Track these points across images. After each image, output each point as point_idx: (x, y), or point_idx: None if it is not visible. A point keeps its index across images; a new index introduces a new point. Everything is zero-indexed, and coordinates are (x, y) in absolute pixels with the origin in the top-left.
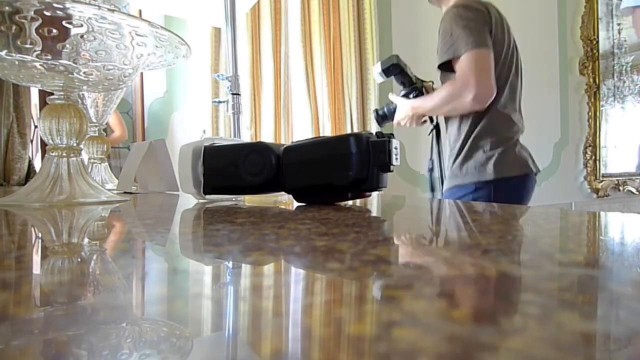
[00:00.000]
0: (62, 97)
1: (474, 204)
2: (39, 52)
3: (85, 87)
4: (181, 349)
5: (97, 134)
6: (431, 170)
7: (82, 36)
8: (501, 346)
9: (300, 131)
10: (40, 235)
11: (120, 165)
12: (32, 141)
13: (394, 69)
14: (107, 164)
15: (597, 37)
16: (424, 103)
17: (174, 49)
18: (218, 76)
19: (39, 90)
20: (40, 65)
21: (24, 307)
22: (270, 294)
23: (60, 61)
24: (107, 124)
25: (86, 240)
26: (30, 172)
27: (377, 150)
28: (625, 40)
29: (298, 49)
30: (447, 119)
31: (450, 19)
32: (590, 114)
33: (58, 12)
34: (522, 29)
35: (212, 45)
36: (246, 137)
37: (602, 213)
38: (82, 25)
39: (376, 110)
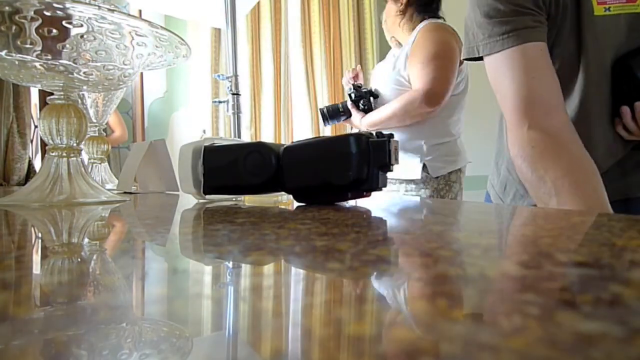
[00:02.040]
0: (62, 97)
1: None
2: (39, 52)
3: (85, 87)
4: (181, 349)
5: (97, 134)
6: None
7: (82, 36)
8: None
9: (300, 131)
10: (40, 235)
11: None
12: (32, 141)
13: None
14: (107, 164)
15: None
16: None
17: (174, 49)
18: (218, 76)
19: (39, 90)
20: (40, 65)
21: (24, 307)
22: (270, 294)
23: (60, 61)
24: (107, 124)
25: (86, 240)
26: (30, 172)
27: (377, 150)
28: None
29: (298, 49)
30: None
31: None
32: None
33: (58, 12)
34: None
35: (212, 45)
36: (246, 137)
37: None
38: (82, 25)
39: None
